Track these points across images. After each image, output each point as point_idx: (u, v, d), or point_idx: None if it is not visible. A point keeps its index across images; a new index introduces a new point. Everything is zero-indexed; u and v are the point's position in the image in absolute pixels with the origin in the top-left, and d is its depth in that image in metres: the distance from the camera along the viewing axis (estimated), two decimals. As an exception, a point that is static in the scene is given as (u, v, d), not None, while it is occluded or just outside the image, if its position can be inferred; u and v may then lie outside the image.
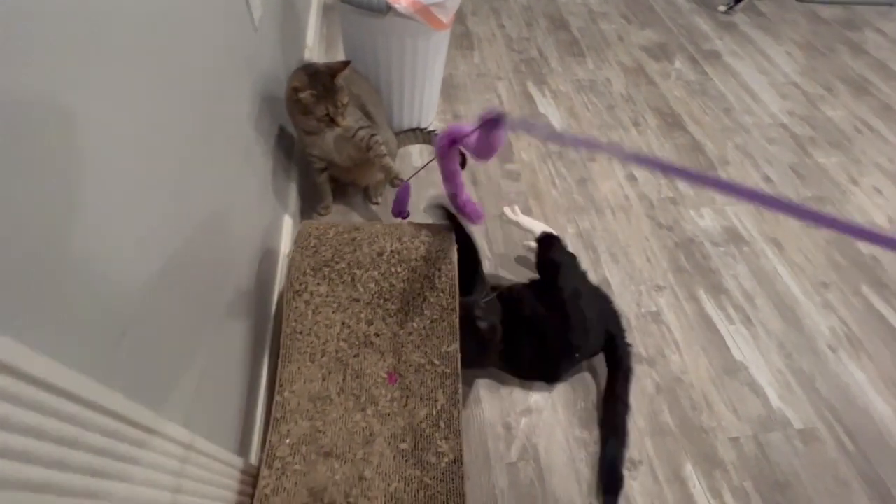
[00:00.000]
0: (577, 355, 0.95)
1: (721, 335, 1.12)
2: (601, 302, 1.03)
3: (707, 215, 1.36)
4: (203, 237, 0.64)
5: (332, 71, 0.91)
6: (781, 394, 1.03)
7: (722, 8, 2.19)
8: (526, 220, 1.10)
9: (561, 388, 0.99)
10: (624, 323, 1.08)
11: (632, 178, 1.43)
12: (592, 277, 1.17)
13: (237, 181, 0.80)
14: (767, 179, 1.48)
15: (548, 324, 0.92)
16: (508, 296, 0.96)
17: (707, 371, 1.05)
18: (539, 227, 1.07)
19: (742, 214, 1.37)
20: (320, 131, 0.98)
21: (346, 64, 0.92)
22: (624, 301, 1.15)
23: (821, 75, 1.91)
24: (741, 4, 2.17)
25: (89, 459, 0.36)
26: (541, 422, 0.95)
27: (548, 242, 1.05)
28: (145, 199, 0.49)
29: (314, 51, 1.59)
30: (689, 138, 1.58)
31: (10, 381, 0.29)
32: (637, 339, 1.09)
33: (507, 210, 1.12)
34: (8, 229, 0.31)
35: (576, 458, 0.91)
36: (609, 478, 0.87)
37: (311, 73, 0.91)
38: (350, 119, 0.99)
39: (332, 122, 0.94)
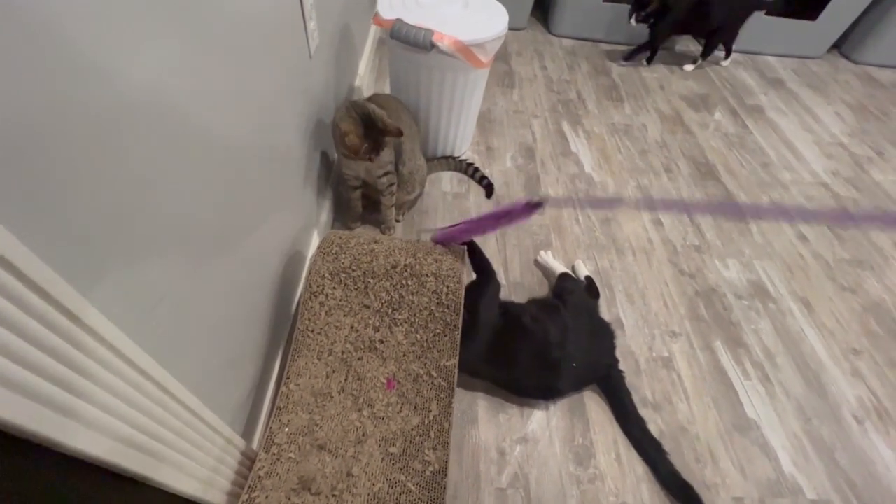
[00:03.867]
0: (574, 365, 0.96)
1: (735, 390, 1.08)
2: (604, 330, 1.06)
3: (733, 267, 1.34)
4: (247, 232, 0.72)
5: (386, 131, 0.96)
6: (795, 459, 0.98)
7: (689, 67, 2.13)
8: (554, 262, 1.24)
9: (560, 422, 0.99)
10: (632, 364, 1.08)
11: (657, 223, 1.43)
12: (606, 316, 1.18)
13: (281, 189, 0.89)
14: (802, 237, 1.44)
15: (548, 332, 0.96)
16: (511, 307, 1.01)
17: (716, 424, 1.02)
18: (563, 268, 1.21)
19: (771, 270, 1.34)
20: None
21: (400, 132, 0.97)
22: (635, 343, 1.14)
23: (871, 138, 1.86)
24: (641, 55, 2.10)
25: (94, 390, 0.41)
26: (536, 452, 0.95)
27: (566, 277, 1.15)
28: (205, 189, 0.58)
29: (364, 78, 1.72)
30: (722, 189, 1.57)
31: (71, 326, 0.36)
32: (644, 382, 1.07)
33: (541, 254, 1.27)
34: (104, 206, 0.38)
35: (567, 493, 0.90)
36: (683, 491, 0.89)
37: (365, 121, 0.95)
38: (383, 157, 1.07)
39: (371, 159, 1.02)
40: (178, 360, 0.55)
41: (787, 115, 1.94)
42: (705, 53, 2.09)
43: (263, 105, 0.78)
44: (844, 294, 1.29)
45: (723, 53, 2.17)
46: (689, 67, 2.12)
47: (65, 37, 0.35)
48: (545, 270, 1.25)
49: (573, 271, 1.24)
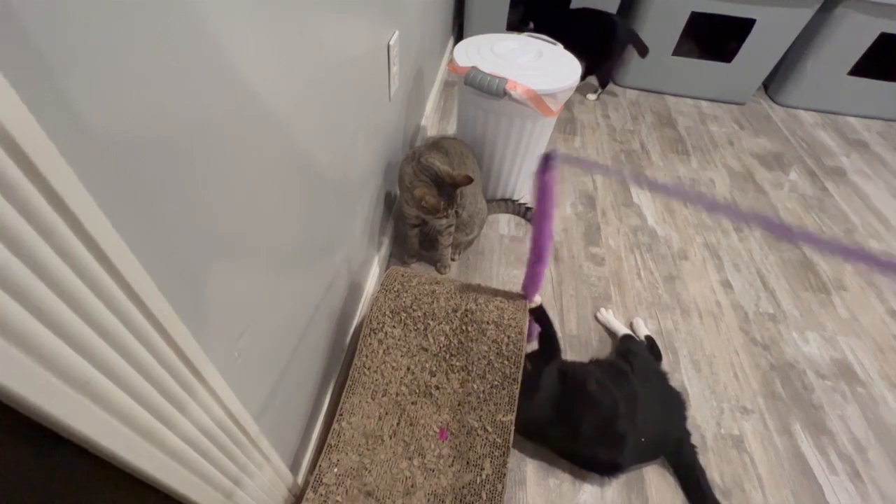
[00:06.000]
0: (642, 440, 0.88)
1: (819, 483, 0.96)
2: (675, 399, 0.98)
3: (813, 341, 1.22)
4: (317, 259, 0.74)
5: (456, 184, 0.99)
6: (896, 579, 0.84)
7: (591, 97, 2.09)
8: (616, 322, 1.18)
9: (615, 496, 0.91)
10: (698, 439, 0.99)
11: (727, 285, 1.34)
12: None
13: (349, 220, 0.91)
14: (894, 315, 1.31)
15: (615, 400, 0.89)
16: (572, 369, 0.95)
17: (796, 523, 0.90)
18: (626, 329, 1.15)
19: (858, 349, 1.21)
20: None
21: (470, 180, 0.99)
22: (701, 416, 1.05)
23: (973, 210, 1.69)
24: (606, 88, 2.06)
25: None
26: (587, 527, 0.87)
27: (630, 339, 1.09)
28: (285, 210, 0.60)
29: (430, 118, 1.78)
30: (799, 254, 1.47)
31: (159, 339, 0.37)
32: (712, 462, 0.97)
33: (602, 311, 1.22)
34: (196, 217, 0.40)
35: (621, 580, 0.81)
36: None
37: (436, 182, 0.99)
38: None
39: (447, 215, 1.04)
40: (249, 391, 0.56)
41: (872, 179, 1.81)
42: (601, 84, 2.06)
43: (344, 139, 0.81)
44: (949, 385, 1.14)
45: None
46: (591, 97, 2.11)
47: (215, 42, 0.37)
48: (606, 328, 1.19)
49: (632, 329, 1.18)
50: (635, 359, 1.00)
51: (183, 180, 0.37)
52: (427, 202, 0.96)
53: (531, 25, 1.74)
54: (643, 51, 1.90)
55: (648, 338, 1.15)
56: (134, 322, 0.32)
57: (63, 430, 0.30)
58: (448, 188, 0.98)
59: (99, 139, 0.29)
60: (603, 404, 0.88)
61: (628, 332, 1.14)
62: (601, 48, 1.90)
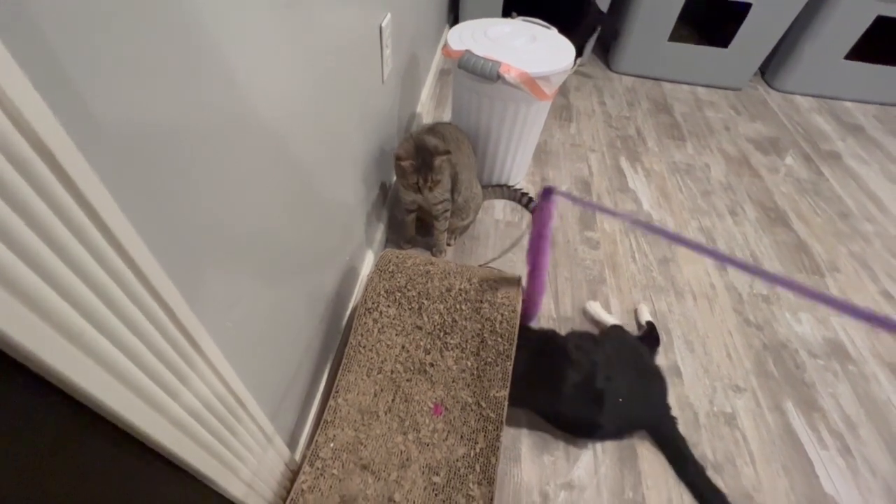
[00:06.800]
0: (620, 400, 0.90)
1: (809, 459, 0.97)
2: (655, 375, 1.01)
3: (806, 321, 1.23)
4: (311, 242, 0.75)
5: (435, 150, 1.03)
6: (884, 549, 0.86)
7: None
8: (605, 314, 1.18)
9: (608, 471, 0.93)
10: (691, 417, 1.01)
11: (721, 268, 1.35)
12: (662, 362, 1.11)
13: (343, 205, 0.92)
14: (887, 295, 1.32)
15: (593, 360, 0.92)
16: (554, 335, 0.99)
17: (787, 496, 0.92)
18: (613, 320, 1.15)
19: (850, 328, 1.22)
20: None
21: (448, 152, 1.04)
22: (694, 394, 1.06)
23: (968, 193, 1.70)
24: (583, 58, 2.01)
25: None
26: (581, 501, 0.89)
27: (617, 329, 1.10)
28: (280, 194, 0.60)
29: (425, 105, 1.78)
30: (794, 237, 1.47)
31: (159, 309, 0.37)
32: (704, 438, 0.99)
33: (589, 304, 1.21)
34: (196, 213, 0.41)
35: (614, 552, 0.83)
36: None
37: (418, 145, 1.03)
38: (437, 191, 1.10)
39: (419, 190, 1.06)
40: (244, 362, 0.56)
41: (868, 163, 1.81)
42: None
43: (337, 123, 0.81)
44: (940, 363, 1.16)
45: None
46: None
47: (209, 40, 0.38)
48: (595, 321, 1.19)
49: (636, 316, 1.19)
50: (613, 332, 1.02)
51: (179, 157, 0.38)
52: (400, 157, 0.99)
53: (514, 15, 1.72)
54: (613, 34, 1.91)
55: (649, 323, 1.16)
56: (122, 278, 0.33)
57: (55, 377, 0.30)
58: (427, 156, 1.00)
59: (97, 117, 0.29)
60: (582, 364, 0.90)
61: (617, 322, 1.14)
62: (570, 24, 1.86)
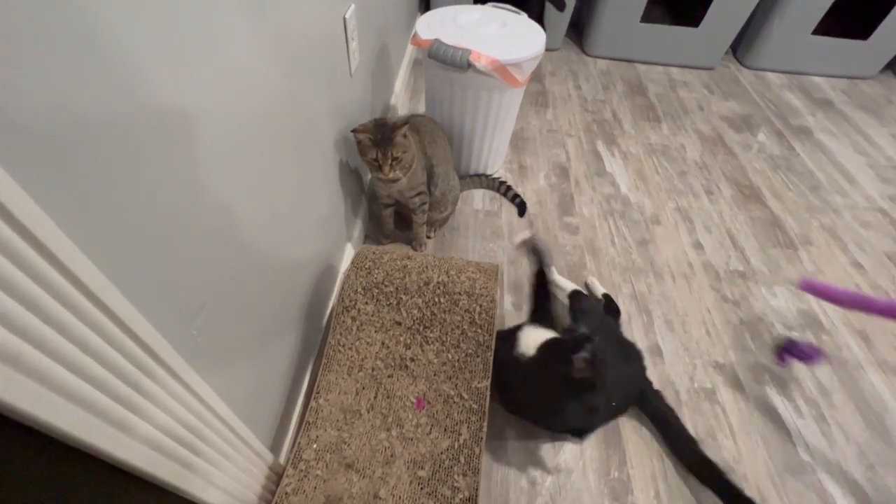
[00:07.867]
0: (612, 403, 0.91)
1: (787, 428, 1.00)
2: (632, 351, 1.01)
3: (781, 295, 1.26)
4: (282, 243, 0.73)
5: (395, 124, 0.99)
6: (858, 509, 0.89)
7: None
8: (563, 280, 1.18)
9: (594, 453, 0.94)
10: (672, 395, 1.03)
11: (698, 247, 1.37)
12: (643, 342, 1.13)
13: (316, 203, 0.90)
14: (858, 266, 1.35)
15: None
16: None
17: (766, 465, 0.94)
18: (573, 286, 1.16)
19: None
20: (383, 180, 1.06)
21: (406, 121, 1.00)
22: (675, 372, 1.08)
23: (933, 161, 1.74)
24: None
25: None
26: (569, 484, 0.90)
27: (578, 295, 1.10)
28: (245, 194, 0.59)
29: (400, 97, 1.76)
30: (768, 212, 1.50)
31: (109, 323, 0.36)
32: (686, 415, 1.01)
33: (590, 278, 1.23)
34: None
35: (601, 531, 0.85)
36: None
37: (378, 122, 1.01)
38: (413, 180, 1.09)
39: (379, 168, 1.00)
40: (213, 370, 0.55)
41: (837, 137, 1.85)
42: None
43: (304, 119, 0.79)
44: (908, 328, 1.19)
45: None
46: None
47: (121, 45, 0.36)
48: (557, 291, 1.17)
49: (587, 289, 1.20)
50: (584, 317, 1.01)
51: (118, 153, 0.36)
52: (360, 137, 0.98)
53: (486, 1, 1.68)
54: (560, 5, 1.89)
55: (606, 295, 1.17)
56: (58, 289, 0.31)
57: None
58: (387, 131, 0.98)
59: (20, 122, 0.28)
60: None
61: (576, 288, 1.14)
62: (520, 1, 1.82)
